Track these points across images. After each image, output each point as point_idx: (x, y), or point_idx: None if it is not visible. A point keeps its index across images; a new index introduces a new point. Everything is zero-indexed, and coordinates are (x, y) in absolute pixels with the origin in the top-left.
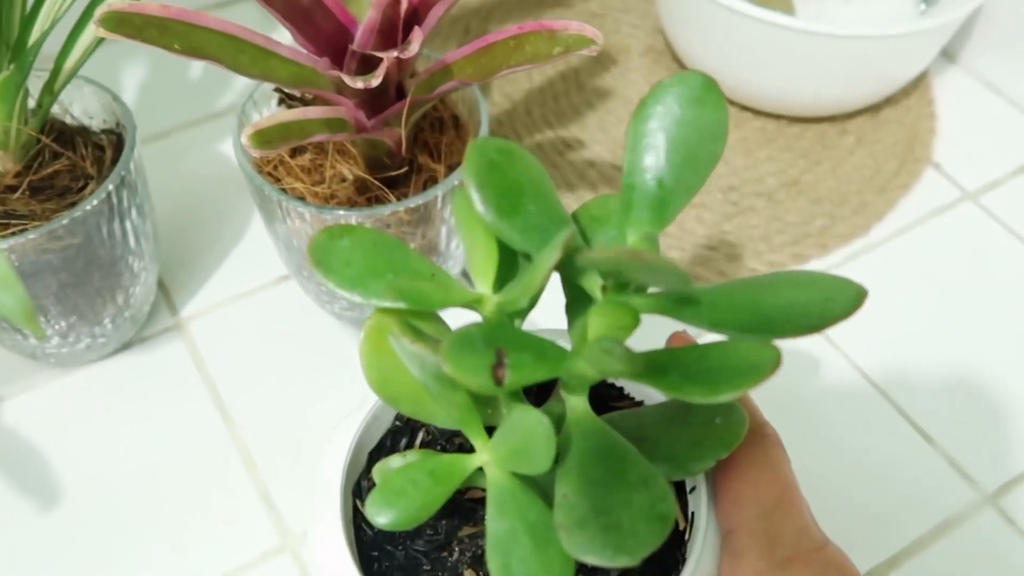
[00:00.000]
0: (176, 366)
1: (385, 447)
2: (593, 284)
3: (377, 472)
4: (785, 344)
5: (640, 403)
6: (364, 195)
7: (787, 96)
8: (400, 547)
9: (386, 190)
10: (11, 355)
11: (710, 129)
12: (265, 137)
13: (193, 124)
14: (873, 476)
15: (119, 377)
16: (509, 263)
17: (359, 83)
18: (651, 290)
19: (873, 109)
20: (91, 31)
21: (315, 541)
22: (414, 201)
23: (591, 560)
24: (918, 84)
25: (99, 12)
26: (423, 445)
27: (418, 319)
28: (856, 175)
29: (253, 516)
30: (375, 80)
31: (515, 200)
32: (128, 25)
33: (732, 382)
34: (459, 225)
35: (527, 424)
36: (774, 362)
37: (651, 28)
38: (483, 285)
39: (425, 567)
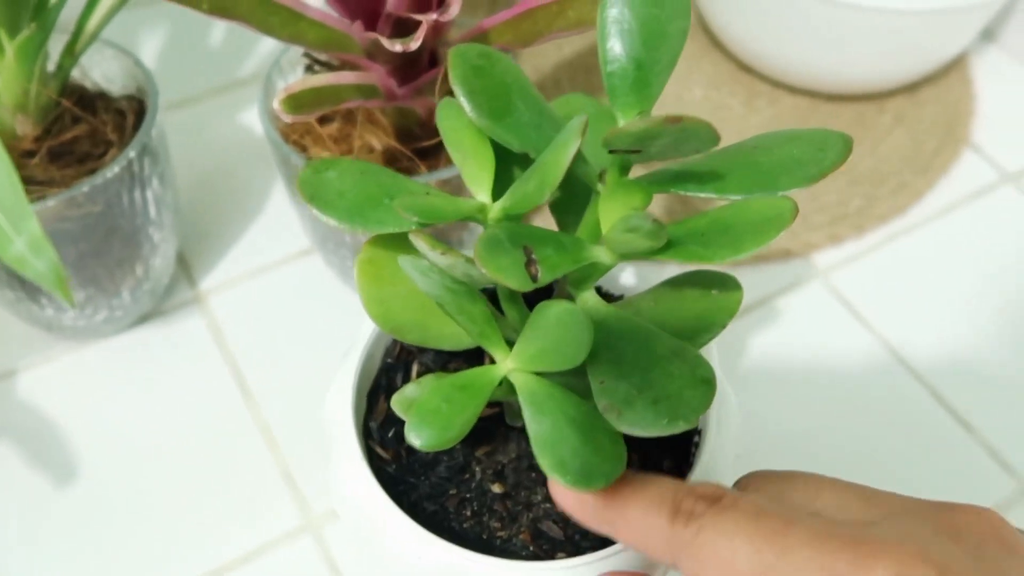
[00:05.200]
0: (195, 340)
1: (381, 386)
2: (589, 173)
3: (397, 403)
4: (817, 331)
5: (622, 297)
6: (393, 166)
7: (824, 72)
8: (422, 477)
9: (416, 160)
10: (26, 326)
11: (674, 4)
12: (298, 101)
13: (215, 92)
14: (909, 464)
15: (137, 351)
16: (503, 169)
17: (397, 46)
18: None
19: (911, 88)
20: None
21: (340, 485)
22: (445, 173)
23: (647, 433)
24: (957, 63)
25: None
26: (418, 376)
27: (437, 240)
28: (894, 155)
29: (274, 495)
30: (414, 43)
31: (505, 102)
32: None
33: (754, 235)
34: (448, 137)
35: (557, 317)
36: (791, 210)
37: None
38: (482, 193)
39: (452, 491)
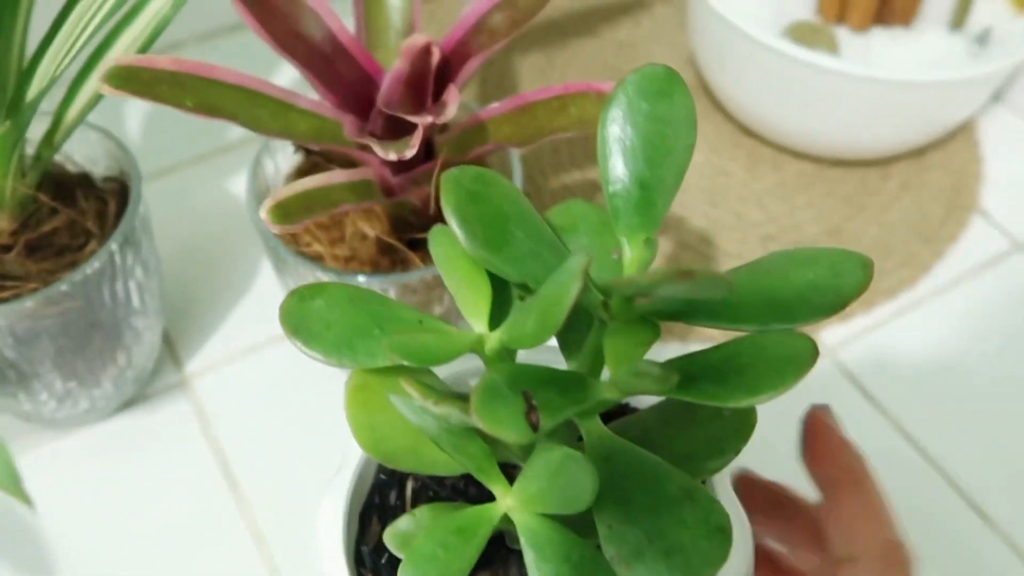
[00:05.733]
0: (180, 427)
1: (374, 504)
2: (592, 300)
3: (391, 539)
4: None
5: (627, 406)
6: (387, 255)
7: (829, 138)
8: None
9: (410, 253)
10: (4, 415)
11: (680, 120)
12: (286, 210)
13: (200, 159)
14: (926, 558)
15: (120, 439)
16: (500, 295)
17: (392, 154)
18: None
19: (917, 152)
20: (94, 84)
21: None
22: None
23: None
24: (963, 126)
25: (104, 68)
26: (414, 494)
27: (430, 389)
28: (901, 223)
29: None
30: (410, 151)
31: (501, 229)
32: (136, 81)
33: (772, 380)
34: (441, 264)
35: (557, 462)
36: (811, 352)
37: (683, 60)
38: (479, 324)
39: None
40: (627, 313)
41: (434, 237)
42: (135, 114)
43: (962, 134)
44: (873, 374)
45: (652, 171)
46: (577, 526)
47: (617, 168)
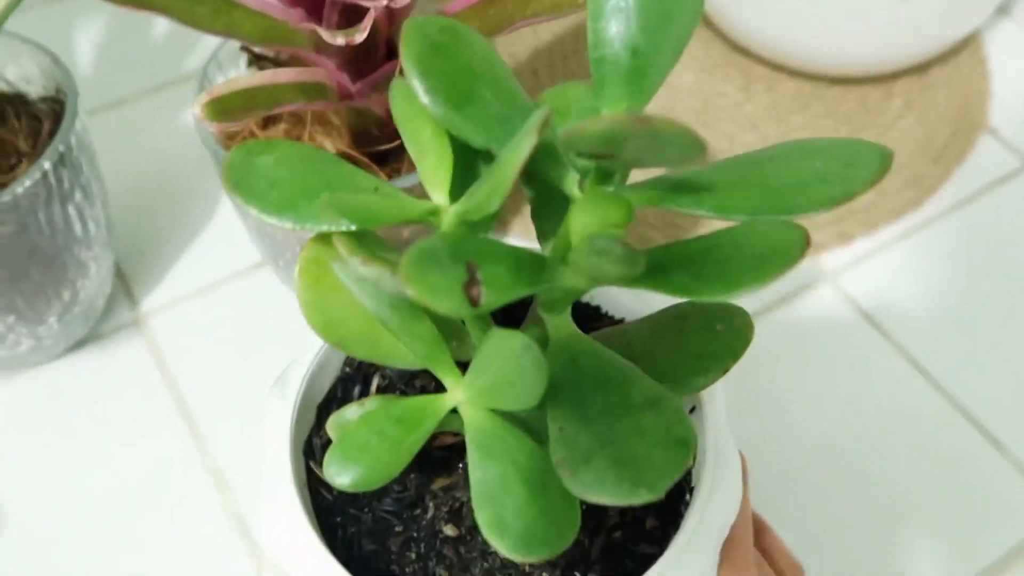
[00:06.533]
0: (136, 368)
1: (336, 399)
2: (568, 180)
3: (332, 426)
4: (828, 340)
5: (621, 321)
6: None
7: (826, 52)
8: (365, 509)
9: (375, 167)
10: None
11: None
12: (223, 107)
13: (154, 91)
14: (930, 483)
15: (69, 382)
16: (466, 166)
17: (339, 39)
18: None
19: (921, 69)
20: None
21: (265, 513)
22: (408, 180)
23: (603, 499)
24: (968, 41)
25: None
26: (379, 392)
27: (360, 245)
28: (906, 144)
29: (224, 543)
30: (360, 35)
31: (467, 88)
32: None
33: (753, 272)
34: (402, 126)
35: (509, 350)
36: (801, 243)
37: None
38: (438, 194)
39: (397, 528)
40: (597, 193)
41: (393, 93)
42: (86, 44)
43: (967, 50)
44: (877, 299)
45: (648, 37)
46: (535, 433)
47: (607, 30)
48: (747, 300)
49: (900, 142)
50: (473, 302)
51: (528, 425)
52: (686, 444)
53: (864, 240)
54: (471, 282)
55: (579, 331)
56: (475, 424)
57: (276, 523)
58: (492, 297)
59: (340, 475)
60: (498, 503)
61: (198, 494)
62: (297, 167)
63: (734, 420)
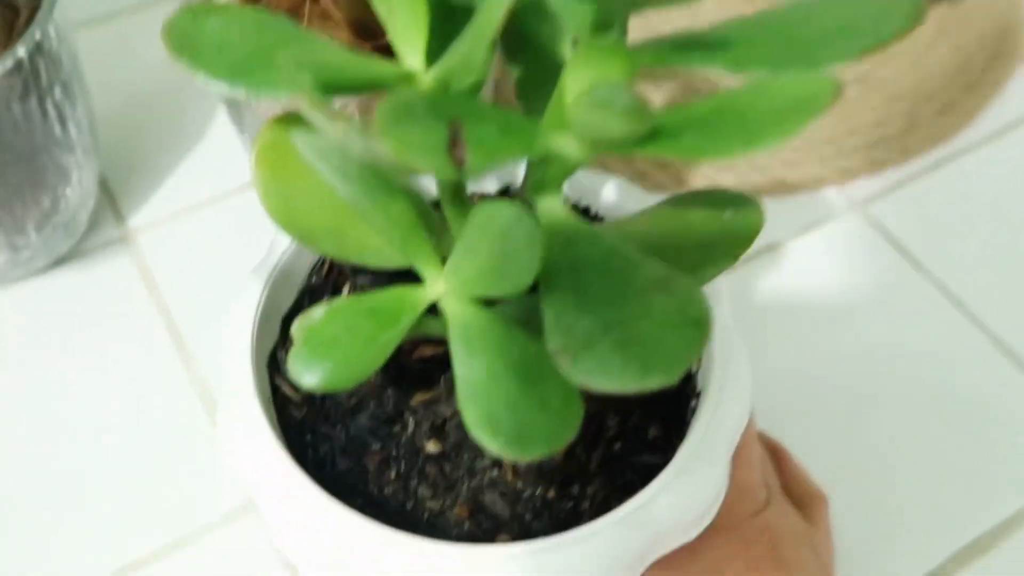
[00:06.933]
0: (122, 286)
1: (302, 309)
2: (559, 39)
3: (298, 330)
4: (856, 271)
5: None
6: None
7: None
8: (338, 426)
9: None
10: None
11: None
12: None
13: (147, 4)
14: (971, 422)
15: (50, 299)
16: (444, 27)
17: None
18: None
19: None
20: None
21: (226, 430)
22: None
23: (608, 386)
24: None
25: None
26: None
27: (325, 102)
28: (938, 71)
29: (215, 471)
30: None
31: None
32: None
33: (777, 122)
34: None
35: (498, 224)
36: (831, 90)
37: None
38: (413, 57)
39: (374, 446)
40: (595, 46)
41: None
42: None
43: None
44: (909, 229)
45: None
46: (526, 329)
47: None
48: (769, 229)
49: (933, 69)
50: (458, 163)
51: (517, 322)
52: (702, 325)
53: (895, 170)
54: (454, 142)
55: (572, 214)
56: (459, 317)
57: (238, 438)
58: (479, 159)
59: (306, 374)
60: (488, 398)
61: (187, 420)
62: (250, 31)
63: (759, 351)
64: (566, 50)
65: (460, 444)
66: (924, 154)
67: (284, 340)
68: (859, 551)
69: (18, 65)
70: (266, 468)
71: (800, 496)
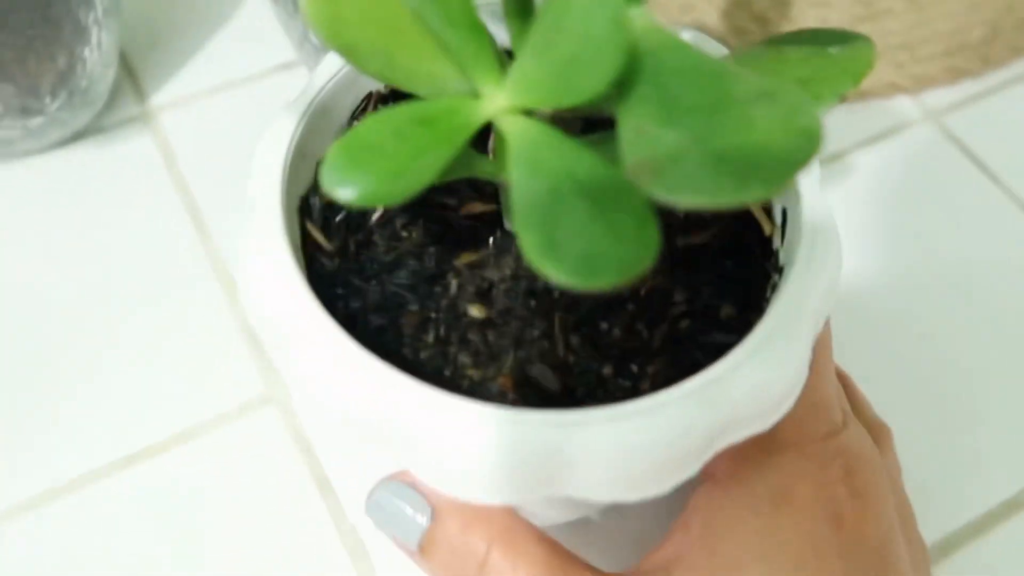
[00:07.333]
0: (141, 165)
1: None
2: None
3: (336, 149)
4: (930, 183)
5: None
6: None
7: None
8: (373, 281)
9: None
10: None
11: None
12: None
13: None
14: None
15: (66, 174)
16: None
17: None
18: None
19: None
20: None
21: (250, 272)
22: None
23: (698, 198)
24: None
25: None
26: None
27: None
28: None
29: (233, 356)
30: None
31: None
32: None
33: None
34: None
35: (579, 14)
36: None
37: None
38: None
39: (412, 306)
40: None
41: None
42: None
43: None
44: (986, 142)
45: None
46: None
47: None
48: (835, 137)
49: None
50: None
51: (593, 144)
52: (813, 136)
53: (971, 82)
54: None
55: (661, 25)
56: (521, 133)
57: (261, 281)
58: None
59: (342, 185)
60: (549, 222)
61: (204, 300)
62: None
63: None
64: None
65: (509, 312)
66: (1004, 65)
67: (318, 186)
68: (928, 487)
69: None
70: (294, 316)
71: (867, 426)
